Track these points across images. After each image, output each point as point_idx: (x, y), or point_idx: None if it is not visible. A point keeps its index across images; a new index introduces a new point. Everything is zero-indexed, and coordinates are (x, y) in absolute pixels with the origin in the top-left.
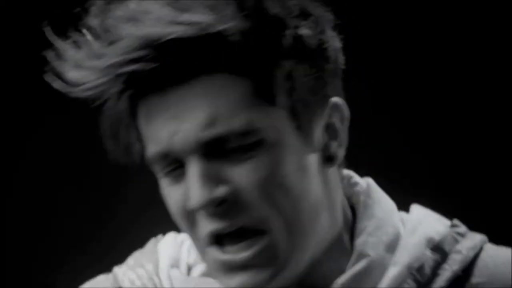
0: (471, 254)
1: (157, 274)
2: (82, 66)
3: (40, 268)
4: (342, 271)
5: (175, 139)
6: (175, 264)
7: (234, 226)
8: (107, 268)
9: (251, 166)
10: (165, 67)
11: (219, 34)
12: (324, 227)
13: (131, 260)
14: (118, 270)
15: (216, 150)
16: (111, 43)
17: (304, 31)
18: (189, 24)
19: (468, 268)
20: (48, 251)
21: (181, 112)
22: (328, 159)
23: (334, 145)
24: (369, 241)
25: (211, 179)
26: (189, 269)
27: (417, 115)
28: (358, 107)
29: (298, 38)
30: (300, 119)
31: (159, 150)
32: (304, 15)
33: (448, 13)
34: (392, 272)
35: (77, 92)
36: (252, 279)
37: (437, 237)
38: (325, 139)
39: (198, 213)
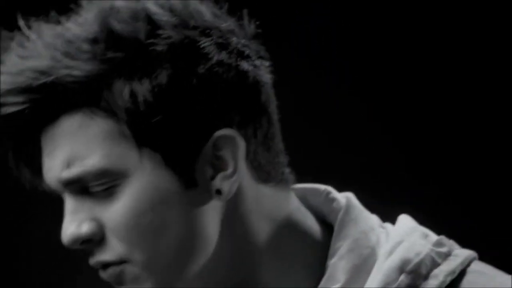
0: (448, 279)
1: None
2: None
3: None
4: None
5: (48, 177)
6: None
7: (99, 264)
8: None
9: (114, 206)
10: (26, 111)
11: (57, 81)
12: (210, 257)
13: None
14: None
15: (82, 188)
16: None
17: (166, 69)
18: (30, 72)
19: None
20: None
21: (51, 151)
22: (216, 192)
23: (219, 178)
24: (341, 264)
25: (79, 216)
26: None
27: (410, 122)
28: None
29: (157, 78)
30: (171, 156)
31: (46, 186)
32: (175, 47)
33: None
34: None
35: None
36: None
37: (415, 258)
38: (209, 173)
39: None
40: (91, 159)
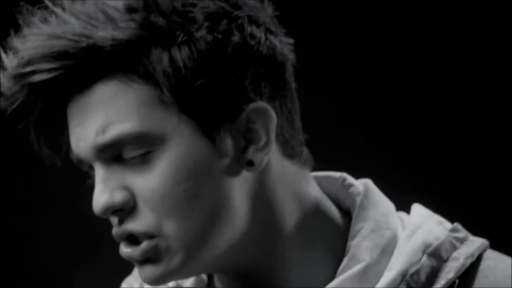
0: (468, 262)
1: None
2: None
3: None
4: (328, 273)
5: (80, 146)
6: None
7: (125, 233)
8: None
9: (149, 174)
10: (59, 78)
11: (97, 44)
12: (237, 230)
13: (124, 284)
14: None
15: (116, 156)
16: (14, 56)
17: (204, 36)
18: (70, 35)
19: (465, 276)
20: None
21: (83, 119)
22: (248, 163)
23: (251, 150)
24: (364, 244)
25: (111, 185)
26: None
27: (420, 114)
28: (362, 108)
29: (196, 44)
30: (206, 125)
31: (73, 156)
32: (211, 16)
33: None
34: (387, 277)
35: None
36: (151, 273)
37: (435, 242)
38: (242, 144)
39: None
40: (128, 123)
